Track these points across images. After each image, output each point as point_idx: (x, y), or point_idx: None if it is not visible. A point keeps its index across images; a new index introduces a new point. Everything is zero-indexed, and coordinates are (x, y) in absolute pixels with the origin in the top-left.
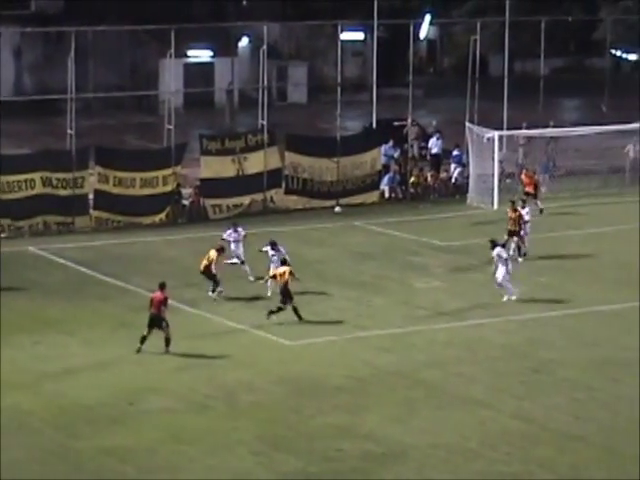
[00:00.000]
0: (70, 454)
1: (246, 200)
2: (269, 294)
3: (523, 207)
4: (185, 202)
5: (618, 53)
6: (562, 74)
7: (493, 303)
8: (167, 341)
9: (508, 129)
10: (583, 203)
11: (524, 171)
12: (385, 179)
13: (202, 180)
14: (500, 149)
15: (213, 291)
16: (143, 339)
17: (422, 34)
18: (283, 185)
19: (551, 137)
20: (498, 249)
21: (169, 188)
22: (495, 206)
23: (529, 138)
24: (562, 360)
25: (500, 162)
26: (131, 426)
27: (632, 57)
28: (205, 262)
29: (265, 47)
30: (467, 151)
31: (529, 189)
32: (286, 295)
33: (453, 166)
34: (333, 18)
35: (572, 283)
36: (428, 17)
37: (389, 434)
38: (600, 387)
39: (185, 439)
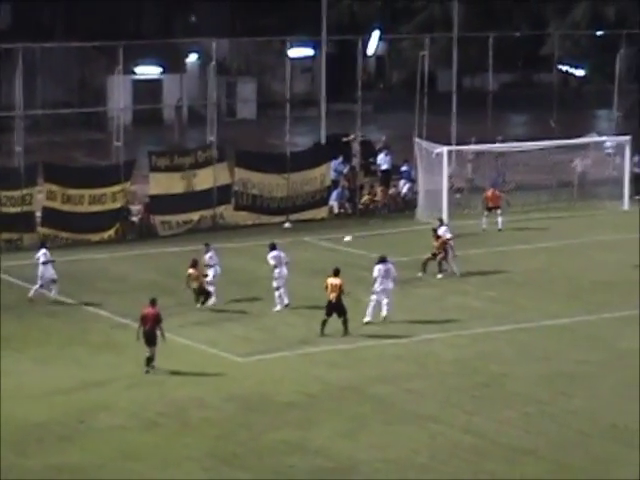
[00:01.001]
0: (20, 472)
1: (195, 216)
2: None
3: (440, 226)
4: (134, 219)
5: (566, 68)
6: (510, 89)
7: (443, 318)
8: (149, 360)
9: (457, 144)
10: (532, 217)
11: (492, 189)
12: (334, 195)
13: (151, 197)
14: (449, 164)
15: (203, 303)
16: (148, 360)
17: (371, 50)
18: (233, 201)
19: (500, 152)
20: (381, 265)
21: (118, 205)
22: (445, 221)
23: (478, 153)
24: (512, 374)
25: (449, 177)
26: (81, 444)
27: (579, 72)
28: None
29: (214, 63)
30: (416, 166)
31: (492, 204)
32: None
33: (402, 181)
34: (282, 34)
35: (522, 297)
36: (377, 33)
37: (339, 449)
38: (550, 401)
39: (136, 456)
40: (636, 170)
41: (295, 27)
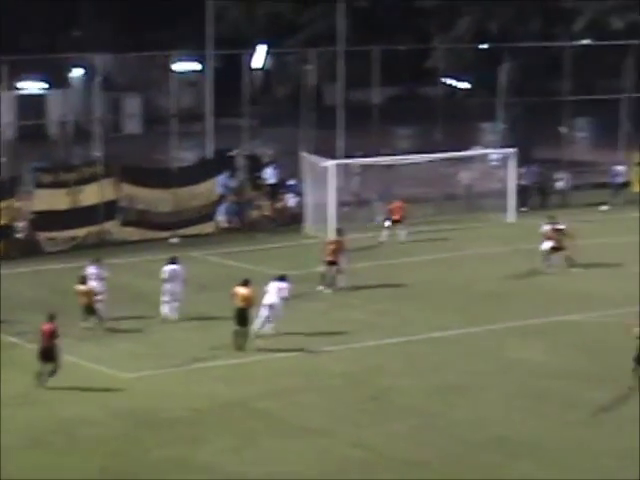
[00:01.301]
0: None
1: (82, 232)
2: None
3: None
4: (19, 235)
5: (450, 81)
6: (396, 102)
7: (332, 331)
8: (52, 373)
9: (344, 158)
10: (419, 230)
11: (395, 202)
12: (221, 209)
13: (36, 213)
14: (336, 178)
15: (91, 320)
16: (39, 375)
17: (257, 64)
18: (119, 217)
19: (386, 165)
20: (278, 283)
21: (2, 222)
22: (331, 235)
23: (365, 166)
24: (400, 387)
25: (336, 191)
26: None
27: (464, 85)
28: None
29: (99, 78)
30: (303, 180)
31: (396, 217)
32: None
33: (289, 195)
34: (167, 49)
35: (410, 310)
36: (263, 47)
37: (227, 465)
38: (438, 413)
39: (24, 476)
40: (521, 182)
41: (180, 42)
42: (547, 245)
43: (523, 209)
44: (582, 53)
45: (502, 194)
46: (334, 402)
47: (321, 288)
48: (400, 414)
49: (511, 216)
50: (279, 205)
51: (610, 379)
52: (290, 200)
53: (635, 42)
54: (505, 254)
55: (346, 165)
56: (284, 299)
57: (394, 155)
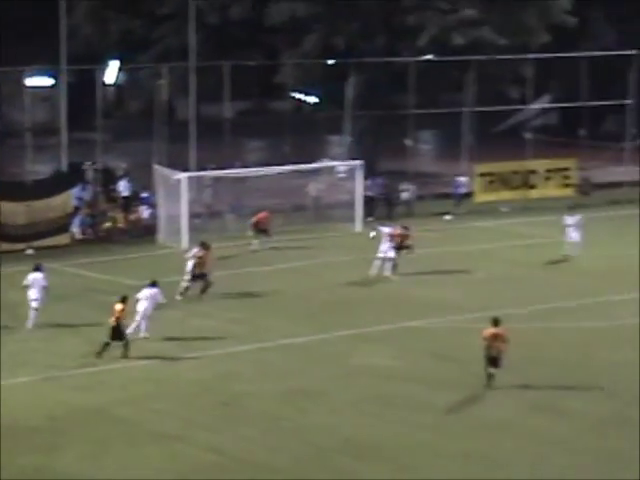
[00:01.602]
0: None
1: None
2: None
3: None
4: None
5: (299, 96)
6: (246, 116)
7: (187, 339)
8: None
9: (196, 170)
10: (270, 240)
11: (264, 213)
12: (76, 221)
13: None
14: (188, 190)
15: None
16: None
17: (109, 79)
18: None
19: (238, 177)
20: (149, 290)
21: None
22: (185, 245)
23: (217, 179)
24: (253, 392)
25: (189, 203)
26: None
27: (312, 99)
28: None
29: None
30: (156, 193)
31: (262, 227)
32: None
33: (143, 207)
34: (20, 64)
35: (261, 318)
36: (115, 63)
37: (83, 472)
38: (289, 417)
39: None
40: (367, 193)
41: (34, 57)
42: (385, 247)
43: (370, 219)
44: (425, 68)
45: (349, 205)
46: (188, 408)
47: (179, 298)
48: (252, 419)
49: (358, 226)
50: (133, 217)
51: (456, 383)
52: (144, 212)
53: (476, 57)
54: (353, 262)
55: (198, 177)
56: (155, 304)
57: (245, 167)
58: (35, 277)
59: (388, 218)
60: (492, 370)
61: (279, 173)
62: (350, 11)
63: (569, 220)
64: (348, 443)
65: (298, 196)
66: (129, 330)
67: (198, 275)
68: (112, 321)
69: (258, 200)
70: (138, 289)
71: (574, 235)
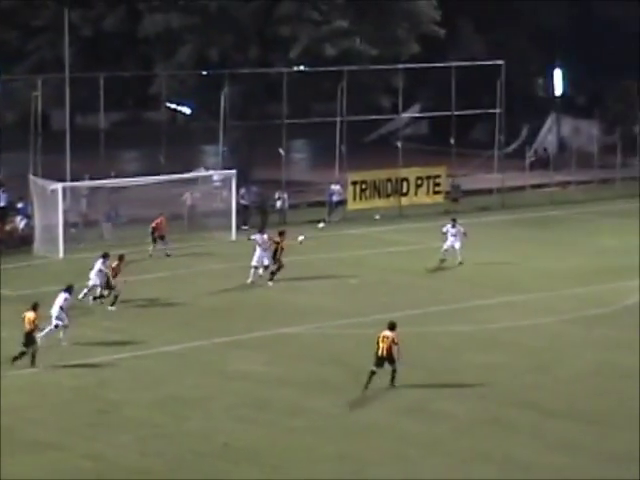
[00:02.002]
0: None
1: None
2: None
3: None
4: None
5: (174, 106)
6: (121, 127)
7: (62, 349)
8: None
9: (71, 181)
10: (145, 249)
11: (160, 218)
12: None
13: None
14: (64, 200)
15: None
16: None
17: None
18: None
19: (113, 187)
20: (63, 294)
21: None
22: (61, 255)
23: (92, 189)
24: (129, 400)
25: (64, 212)
26: None
27: (186, 110)
28: None
29: None
30: (32, 203)
31: (161, 232)
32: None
33: (19, 218)
34: None
35: (139, 326)
36: None
37: None
38: (165, 424)
39: None
40: (242, 202)
41: None
42: (260, 254)
43: (244, 227)
44: (298, 78)
45: (224, 214)
46: (65, 417)
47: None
48: (128, 426)
49: (233, 234)
50: (8, 227)
51: (330, 387)
52: (19, 222)
53: (347, 68)
54: (228, 270)
55: (74, 188)
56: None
57: (120, 178)
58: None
59: (262, 226)
60: (389, 367)
61: (155, 183)
62: (224, 22)
63: (450, 229)
64: (224, 448)
65: (174, 205)
66: (42, 335)
67: (110, 286)
68: (27, 328)
69: (134, 210)
70: (14, 300)
71: (454, 243)
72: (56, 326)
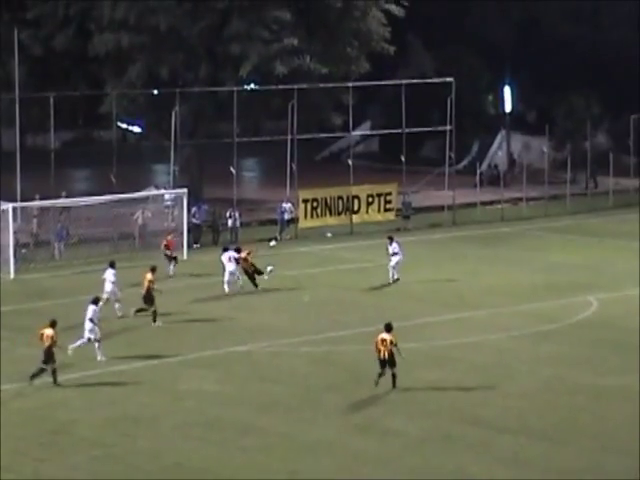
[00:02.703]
0: None
1: None
2: None
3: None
4: None
5: (124, 125)
6: (72, 146)
7: (11, 369)
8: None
9: (22, 201)
10: (96, 269)
11: (169, 237)
12: None
13: None
14: (15, 220)
15: None
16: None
17: None
18: None
19: (64, 207)
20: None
21: None
22: (12, 275)
23: (43, 209)
24: (80, 420)
25: (15, 233)
26: None
27: (136, 129)
28: None
29: None
30: None
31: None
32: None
33: None
34: None
35: (87, 346)
36: None
37: None
38: (116, 443)
39: None
40: (193, 220)
41: None
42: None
43: (196, 246)
44: (249, 97)
45: (176, 232)
46: (13, 438)
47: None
48: (79, 446)
49: (185, 253)
50: None
51: (281, 405)
52: None
53: (297, 86)
54: (179, 289)
55: (24, 208)
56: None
57: (71, 197)
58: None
59: (214, 244)
60: (387, 371)
61: (105, 202)
62: (174, 41)
63: (390, 247)
64: (175, 467)
65: (125, 224)
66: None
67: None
68: (46, 345)
69: (84, 229)
70: None
71: (393, 260)
72: (89, 339)
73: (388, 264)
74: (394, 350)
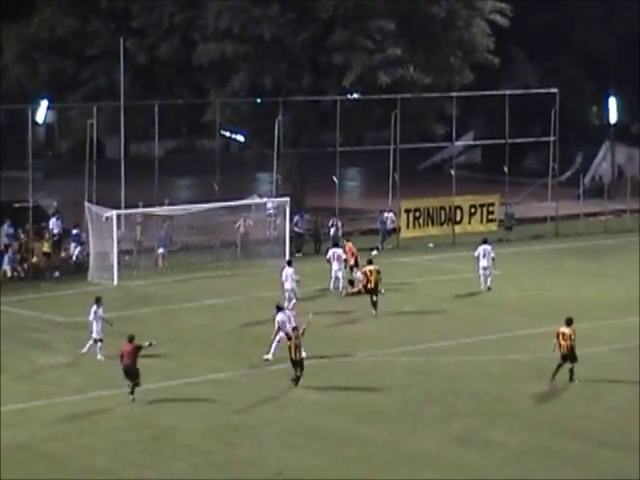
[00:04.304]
0: None
1: None
2: None
3: None
4: None
5: (227, 134)
6: (175, 155)
7: (115, 376)
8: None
9: (126, 208)
10: (198, 276)
11: (346, 243)
12: (6, 259)
13: None
14: (119, 227)
15: None
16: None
17: (40, 119)
18: None
19: (167, 215)
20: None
21: None
22: (115, 282)
23: (146, 216)
24: (181, 427)
25: (119, 240)
26: None
27: (239, 137)
28: None
29: None
30: (87, 230)
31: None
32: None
33: (73, 245)
34: None
35: (189, 353)
36: (45, 102)
37: None
38: (217, 451)
39: None
40: (295, 229)
41: None
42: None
43: (298, 255)
44: (351, 106)
45: (278, 241)
46: (117, 443)
47: None
48: (180, 453)
49: None
50: (63, 254)
51: (382, 415)
52: (74, 249)
53: (400, 96)
54: (280, 298)
55: (128, 215)
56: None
57: (174, 205)
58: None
59: (316, 253)
60: (568, 365)
61: (208, 210)
62: (277, 50)
63: (480, 251)
64: (277, 476)
65: (227, 232)
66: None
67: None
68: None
69: (187, 237)
70: (68, 326)
71: (486, 266)
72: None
73: (480, 268)
74: (573, 345)
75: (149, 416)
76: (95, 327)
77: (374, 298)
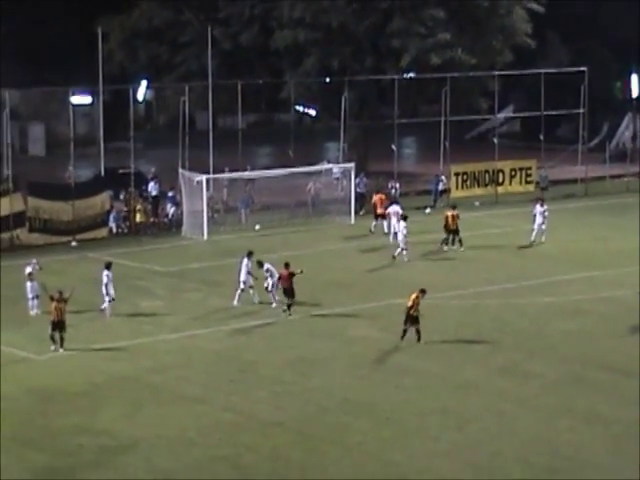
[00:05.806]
0: None
1: None
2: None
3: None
4: None
5: (300, 109)
6: (256, 127)
7: (205, 317)
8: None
9: (214, 173)
10: (276, 232)
11: (377, 195)
12: (112, 217)
13: None
14: (208, 190)
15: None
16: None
17: (140, 97)
18: (27, 225)
19: (249, 179)
20: (266, 265)
21: None
22: (205, 237)
23: (231, 180)
24: (263, 361)
25: (208, 200)
26: None
27: (311, 112)
28: None
29: (7, 111)
30: (181, 192)
31: (381, 211)
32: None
33: (169, 205)
34: (64, 84)
35: (267, 297)
36: (144, 82)
37: (121, 429)
38: (293, 381)
39: None
40: (358, 190)
41: (75, 78)
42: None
43: (361, 213)
44: (407, 84)
45: (344, 201)
46: (208, 375)
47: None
48: (262, 383)
49: (352, 219)
50: (161, 213)
51: (434, 351)
52: (170, 209)
53: (450, 74)
54: (347, 250)
55: (216, 179)
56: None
57: (255, 170)
58: (106, 274)
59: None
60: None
61: (284, 175)
62: (343, 36)
63: (537, 210)
64: (344, 402)
65: (300, 194)
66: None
67: None
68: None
69: (266, 197)
70: (165, 274)
71: (541, 223)
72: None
73: (535, 227)
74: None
75: (235, 351)
76: (110, 289)
77: (457, 237)
